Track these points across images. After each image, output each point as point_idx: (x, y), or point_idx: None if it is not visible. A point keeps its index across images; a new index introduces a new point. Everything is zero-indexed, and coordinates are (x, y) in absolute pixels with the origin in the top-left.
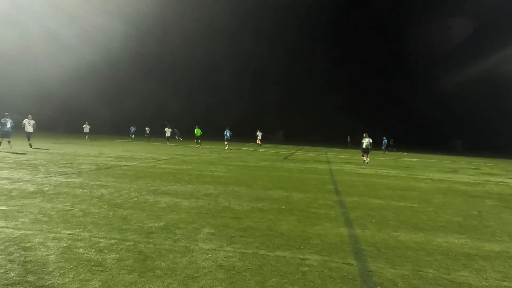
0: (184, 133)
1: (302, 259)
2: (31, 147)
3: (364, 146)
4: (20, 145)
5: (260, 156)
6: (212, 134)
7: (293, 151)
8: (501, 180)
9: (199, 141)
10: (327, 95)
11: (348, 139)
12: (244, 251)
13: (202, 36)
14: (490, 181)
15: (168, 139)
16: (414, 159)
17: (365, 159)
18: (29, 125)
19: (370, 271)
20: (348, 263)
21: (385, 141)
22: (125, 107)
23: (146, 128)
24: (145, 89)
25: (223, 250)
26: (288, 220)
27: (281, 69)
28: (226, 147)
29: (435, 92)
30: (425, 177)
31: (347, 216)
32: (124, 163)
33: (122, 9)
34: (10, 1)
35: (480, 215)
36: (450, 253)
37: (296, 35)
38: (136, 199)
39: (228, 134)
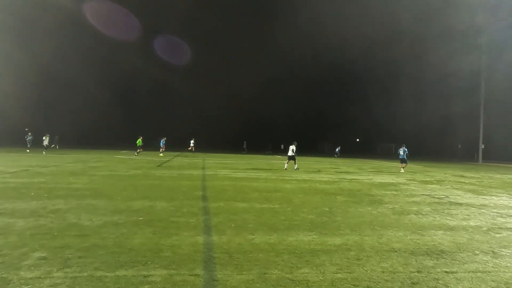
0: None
1: (145, 276)
2: None
3: (290, 154)
4: None
5: (133, 164)
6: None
7: (170, 157)
8: (354, 177)
9: (139, 150)
10: (212, 99)
11: (244, 145)
12: (78, 275)
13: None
14: (345, 179)
15: (44, 147)
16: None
17: (286, 165)
18: None
19: (216, 280)
20: (195, 275)
21: (338, 148)
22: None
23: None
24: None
25: (50, 277)
26: (142, 233)
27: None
28: (161, 154)
29: (309, 99)
30: (292, 178)
31: (208, 223)
32: None
33: None
34: None
35: (331, 211)
36: (297, 251)
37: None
38: None
39: (162, 142)
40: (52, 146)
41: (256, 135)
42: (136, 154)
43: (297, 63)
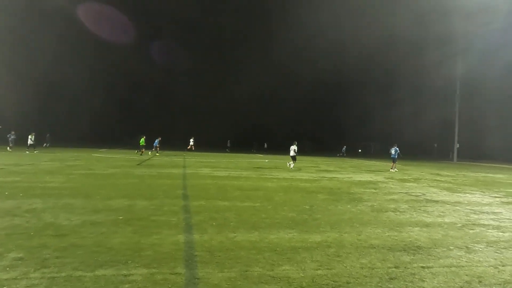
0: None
1: (125, 276)
2: None
3: (292, 154)
4: None
5: (112, 162)
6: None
7: (150, 156)
8: (334, 176)
9: (143, 150)
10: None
11: (228, 144)
12: (55, 275)
13: None
14: (325, 177)
15: (32, 146)
16: (266, 160)
17: (291, 165)
18: None
19: (198, 278)
20: (176, 273)
21: (344, 147)
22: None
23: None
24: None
25: (27, 278)
26: (122, 232)
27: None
28: (156, 153)
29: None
30: (273, 176)
31: (189, 221)
32: None
33: None
34: None
35: (311, 209)
36: (278, 249)
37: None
38: None
39: (156, 142)
40: (44, 145)
41: (243, 134)
42: (137, 152)
43: (282, 67)
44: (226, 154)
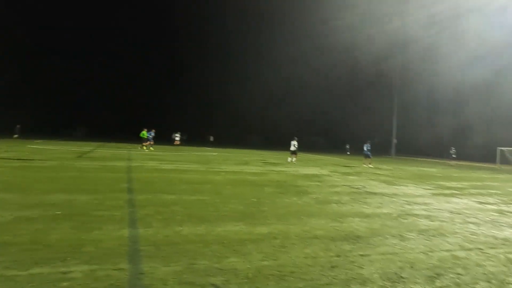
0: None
1: (64, 273)
2: None
3: (292, 148)
4: None
5: (50, 155)
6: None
7: (93, 148)
8: (281, 169)
9: (149, 142)
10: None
11: (178, 136)
12: None
13: None
14: (273, 171)
15: None
16: (215, 153)
17: (293, 159)
18: None
19: (142, 273)
20: (119, 269)
21: (348, 146)
22: None
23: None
24: None
25: None
26: (61, 228)
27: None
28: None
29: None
30: (221, 169)
31: (134, 215)
32: None
33: None
34: None
35: (258, 202)
36: (225, 241)
37: None
38: None
39: (151, 135)
40: (14, 136)
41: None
42: (144, 148)
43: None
44: (174, 147)
